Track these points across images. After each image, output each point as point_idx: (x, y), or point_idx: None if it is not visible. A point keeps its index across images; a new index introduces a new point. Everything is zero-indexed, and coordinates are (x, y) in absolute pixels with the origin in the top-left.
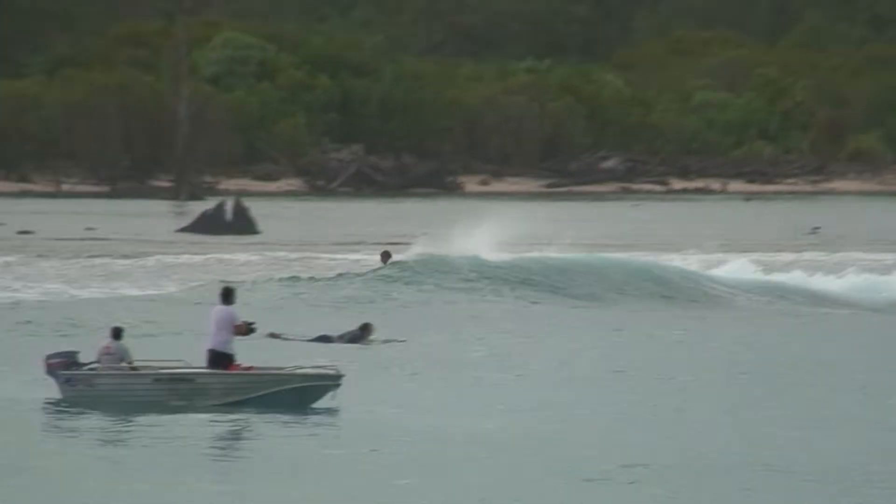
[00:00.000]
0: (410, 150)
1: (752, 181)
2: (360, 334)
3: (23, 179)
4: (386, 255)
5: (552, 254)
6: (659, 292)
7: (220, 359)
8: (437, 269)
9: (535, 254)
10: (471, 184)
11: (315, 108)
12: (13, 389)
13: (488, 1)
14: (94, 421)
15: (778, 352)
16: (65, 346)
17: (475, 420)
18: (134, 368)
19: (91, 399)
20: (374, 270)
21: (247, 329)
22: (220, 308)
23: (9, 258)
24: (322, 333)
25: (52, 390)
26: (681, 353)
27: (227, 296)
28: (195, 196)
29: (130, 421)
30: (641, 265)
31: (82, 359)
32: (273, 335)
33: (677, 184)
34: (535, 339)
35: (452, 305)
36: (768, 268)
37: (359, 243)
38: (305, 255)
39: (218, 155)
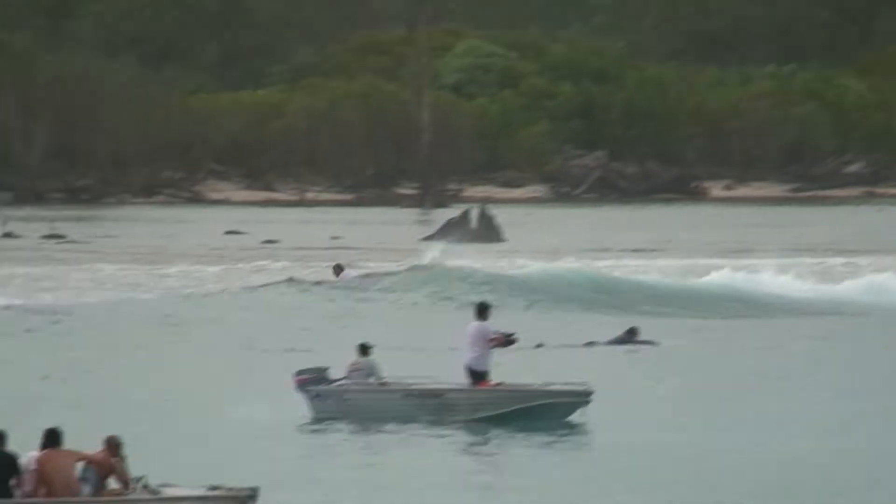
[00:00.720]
0: (654, 156)
1: None
2: (627, 338)
3: (267, 188)
4: (338, 269)
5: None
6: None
7: (472, 375)
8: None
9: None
10: (715, 189)
11: (558, 115)
12: (263, 409)
13: (730, 6)
14: (345, 437)
15: None
16: (315, 363)
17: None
18: (383, 384)
19: (340, 415)
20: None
21: (505, 341)
22: (474, 324)
23: (253, 266)
24: (589, 340)
25: (302, 408)
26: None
27: (482, 311)
28: (440, 204)
29: (381, 436)
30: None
31: (332, 375)
32: (539, 345)
33: None
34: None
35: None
36: None
37: (604, 250)
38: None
39: (462, 162)
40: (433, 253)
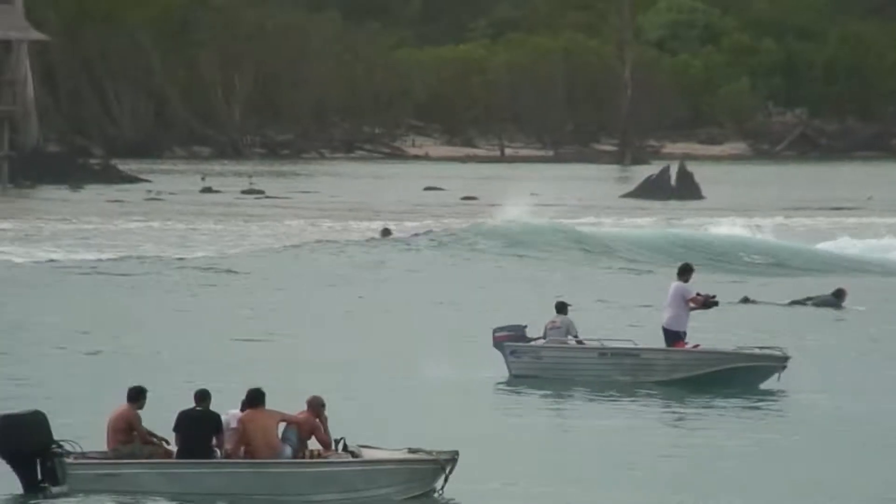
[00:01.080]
0: (855, 114)
1: None
2: (833, 300)
3: (467, 144)
4: (386, 233)
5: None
6: None
7: (669, 336)
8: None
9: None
10: None
11: (759, 71)
12: (458, 366)
13: None
14: (540, 396)
15: None
16: (514, 321)
17: None
18: (580, 342)
19: (536, 372)
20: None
21: (705, 302)
22: (675, 284)
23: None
24: (794, 299)
25: (497, 366)
26: None
27: (683, 272)
28: (639, 160)
29: (575, 395)
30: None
31: (529, 333)
32: (746, 300)
33: None
34: None
35: None
36: None
37: (801, 209)
38: (746, 222)
39: (662, 118)
40: (514, 210)
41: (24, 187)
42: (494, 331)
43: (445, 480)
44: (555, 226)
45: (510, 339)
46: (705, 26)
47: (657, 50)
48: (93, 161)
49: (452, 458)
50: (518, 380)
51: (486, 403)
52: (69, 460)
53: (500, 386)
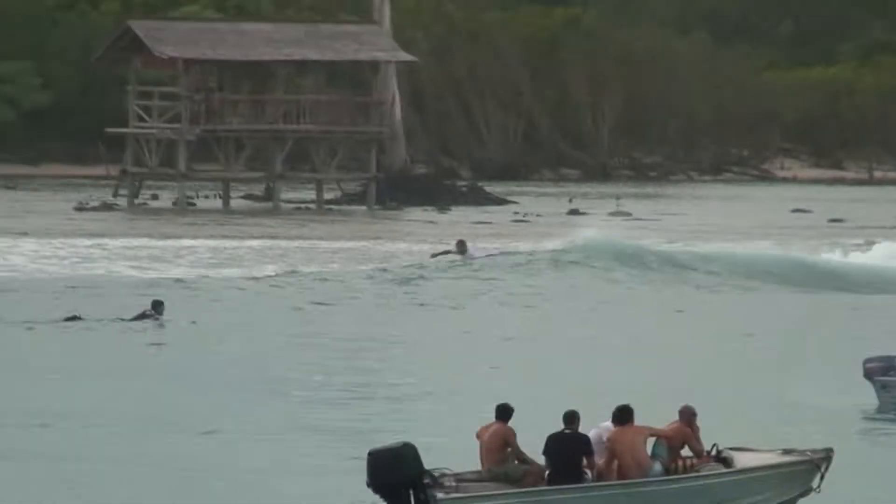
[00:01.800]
0: None
1: None
2: None
3: (835, 166)
4: (461, 245)
5: None
6: None
7: None
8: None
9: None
10: None
11: None
12: (825, 394)
13: None
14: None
15: None
16: (887, 350)
17: None
18: None
19: None
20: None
21: None
22: None
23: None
24: None
25: (867, 396)
26: None
27: None
28: None
29: None
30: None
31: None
32: None
33: None
34: None
35: None
36: None
37: None
38: None
39: None
40: (588, 232)
41: (391, 208)
42: (865, 361)
43: (821, 479)
44: None
45: (881, 370)
46: None
47: None
48: (460, 183)
49: (827, 455)
50: (888, 413)
51: (851, 429)
52: (441, 495)
53: (868, 415)
